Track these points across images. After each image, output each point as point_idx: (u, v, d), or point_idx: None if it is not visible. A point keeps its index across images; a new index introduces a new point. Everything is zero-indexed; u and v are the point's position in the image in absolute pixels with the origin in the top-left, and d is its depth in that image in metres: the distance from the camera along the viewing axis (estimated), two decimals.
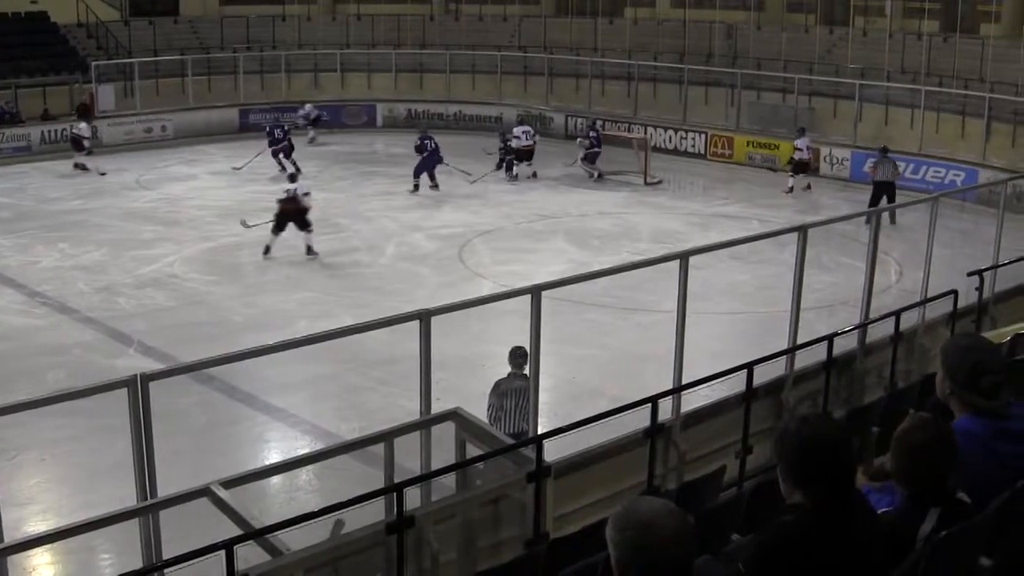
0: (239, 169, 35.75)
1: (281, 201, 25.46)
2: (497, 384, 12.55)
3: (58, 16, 45.75)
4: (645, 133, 37.97)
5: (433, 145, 32.73)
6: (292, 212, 25.25)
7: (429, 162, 32.65)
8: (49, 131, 40.01)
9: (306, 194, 25.77)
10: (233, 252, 25.38)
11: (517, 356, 12.42)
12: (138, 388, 7.98)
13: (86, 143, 36.22)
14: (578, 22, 48.64)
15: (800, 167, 33.31)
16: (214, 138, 40.84)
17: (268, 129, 36.76)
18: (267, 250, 25.03)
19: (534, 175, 34.51)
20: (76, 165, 36.00)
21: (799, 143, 33.22)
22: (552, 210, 30.60)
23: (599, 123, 37.38)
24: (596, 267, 14.33)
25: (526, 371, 12.11)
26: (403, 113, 45.76)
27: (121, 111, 42.37)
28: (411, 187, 32.59)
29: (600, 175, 34.59)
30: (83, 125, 36.40)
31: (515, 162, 34.52)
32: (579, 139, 36.41)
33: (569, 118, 42.76)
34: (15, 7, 45.17)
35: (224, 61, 46.46)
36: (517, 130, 34.99)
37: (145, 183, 34.72)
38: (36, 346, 19.86)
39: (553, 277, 10.56)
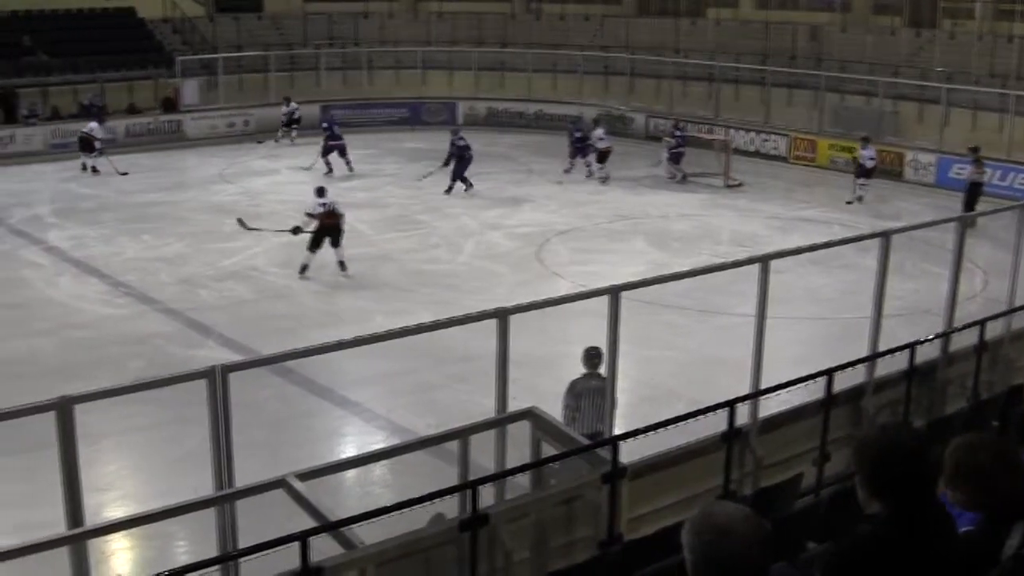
0: (308, 168, 35.96)
1: (320, 216, 23.64)
2: (573, 384, 12.52)
3: (145, 12, 46.28)
4: (726, 135, 37.68)
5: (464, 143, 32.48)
6: (332, 227, 23.77)
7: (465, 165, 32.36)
8: (135, 124, 40.52)
9: (340, 210, 24.28)
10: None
11: (592, 356, 12.38)
12: (218, 379, 8.05)
13: (97, 144, 35.58)
14: (660, 22, 48.49)
15: (866, 173, 32.18)
16: (297, 133, 41.14)
17: (327, 126, 36.77)
18: (304, 269, 23.64)
19: (606, 179, 34.23)
20: (85, 166, 35.62)
21: (865, 152, 32.21)
22: (632, 211, 30.50)
23: (683, 123, 37.22)
24: (675, 269, 14.28)
25: (600, 371, 12.09)
26: (483, 111, 45.79)
27: (205, 105, 42.79)
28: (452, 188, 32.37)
29: (684, 176, 34.41)
30: (94, 125, 35.89)
31: (597, 164, 34.30)
32: (664, 139, 36.17)
33: (650, 119, 42.55)
34: (103, 2, 45.71)
35: (307, 57, 46.85)
36: (599, 131, 34.68)
37: (227, 177, 35.02)
38: (118, 335, 20.10)
39: (631, 278, 10.51)
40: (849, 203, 31.32)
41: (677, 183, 34.09)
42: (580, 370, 12.52)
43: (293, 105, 41.68)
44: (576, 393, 12.43)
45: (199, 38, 47.07)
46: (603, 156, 34.36)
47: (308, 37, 48.78)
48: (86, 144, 35.54)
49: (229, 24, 48.37)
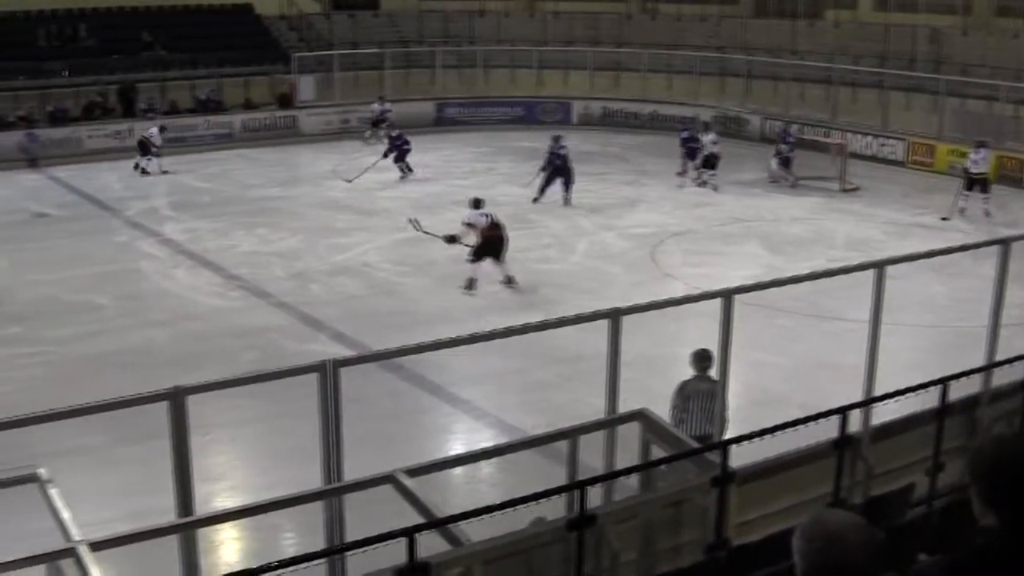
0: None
1: (483, 228, 22.42)
2: (682, 386, 12.49)
3: (263, 8, 47.06)
4: (843, 138, 37.28)
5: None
6: (497, 240, 22.50)
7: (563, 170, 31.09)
8: (251, 119, 41.05)
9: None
10: (425, 244, 25.61)
11: (701, 359, 12.35)
12: (329, 373, 8.12)
13: (153, 149, 35.55)
14: (777, 23, 48.01)
15: (977, 183, 30.05)
16: (410, 130, 41.33)
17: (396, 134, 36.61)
18: (471, 284, 22.41)
19: (715, 187, 33.78)
20: (137, 166, 35.62)
21: (975, 156, 30.24)
22: (746, 213, 30.29)
23: (794, 127, 36.90)
24: (789, 273, 14.17)
25: (710, 374, 12.06)
26: (598, 111, 45.71)
27: (320, 102, 43.22)
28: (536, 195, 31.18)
29: (796, 180, 34.07)
30: (154, 131, 35.89)
31: (709, 170, 33.95)
32: (777, 145, 35.64)
33: (766, 121, 42.21)
34: (223, 0, 46.40)
35: (422, 55, 47.11)
36: (712, 136, 34.23)
37: (341, 173, 35.28)
38: (231, 327, 20.39)
39: (745, 281, 10.46)
40: (944, 219, 29.35)
41: (790, 186, 33.73)
42: (691, 373, 12.48)
43: (387, 105, 41.76)
44: (685, 395, 12.39)
45: (315, 35, 47.60)
46: (711, 161, 33.97)
47: (423, 35, 49.09)
48: (143, 147, 35.68)
49: (345, 21, 48.84)
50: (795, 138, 35.26)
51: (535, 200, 30.87)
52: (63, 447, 12.05)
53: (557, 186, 31.01)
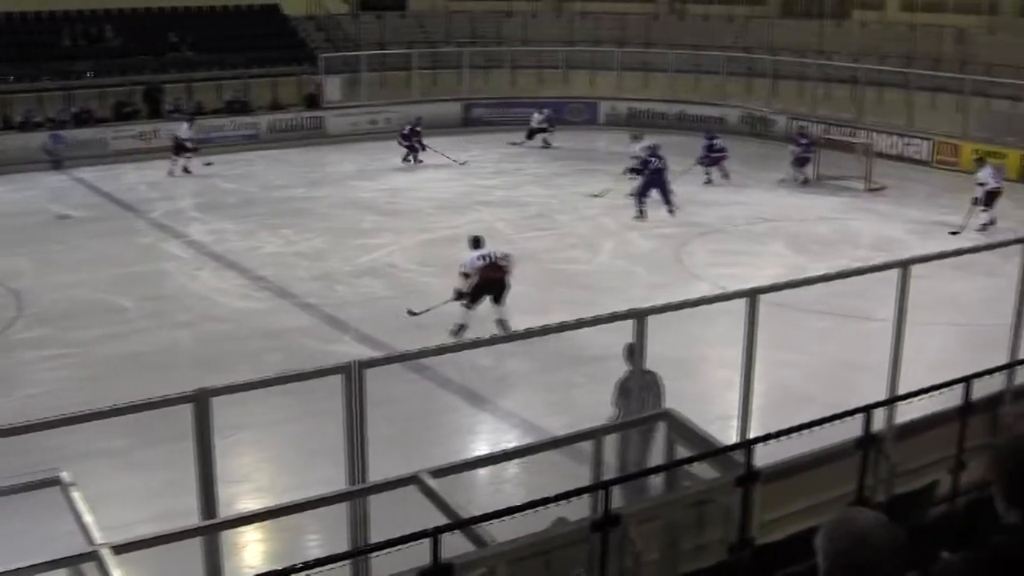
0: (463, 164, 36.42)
1: (480, 270, 20.14)
2: (623, 385, 12.48)
3: (290, 9, 47.18)
4: (869, 138, 37.17)
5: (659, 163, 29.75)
6: (495, 282, 20.24)
7: (658, 180, 29.58)
8: (278, 120, 41.18)
9: (505, 257, 20.61)
10: (451, 245, 25.62)
11: (634, 353, 12.38)
12: (354, 374, 8.15)
13: (189, 144, 35.23)
14: (804, 24, 47.94)
15: (990, 198, 28.41)
16: (437, 131, 41.40)
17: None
18: (460, 329, 19.63)
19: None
20: (185, 169, 35.28)
21: (983, 175, 28.67)
22: (771, 213, 30.24)
23: (807, 127, 36.77)
24: (814, 272, 14.18)
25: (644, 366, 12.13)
26: (625, 111, 45.66)
27: (347, 102, 43.31)
28: (636, 213, 29.24)
29: (807, 180, 33.94)
30: (184, 127, 35.66)
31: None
32: (790, 147, 35.35)
33: (792, 121, 42.10)
34: (250, 0, 46.53)
35: (449, 56, 47.11)
36: (639, 147, 32.08)
37: (367, 174, 35.38)
38: (255, 329, 20.44)
39: (770, 281, 10.50)
40: (954, 233, 27.62)
41: (800, 185, 33.60)
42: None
43: (546, 111, 41.77)
44: (626, 392, 12.43)
45: (342, 35, 47.70)
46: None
47: (451, 35, 49.13)
48: (177, 147, 35.36)
49: (372, 22, 48.95)
50: (809, 139, 35.06)
51: (636, 217, 29.10)
52: (87, 449, 12.16)
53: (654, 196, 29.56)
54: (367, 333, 19.95)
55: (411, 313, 20.70)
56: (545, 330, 9.51)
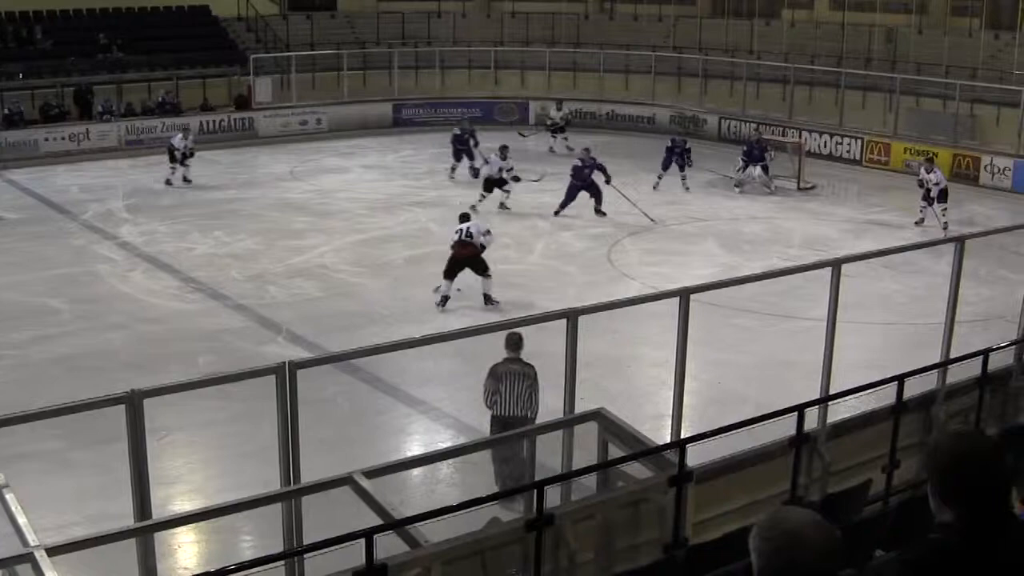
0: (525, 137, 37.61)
1: (453, 245, 21.45)
2: (493, 368, 12.71)
3: (219, 10, 46.91)
4: (800, 137, 37.35)
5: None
6: (465, 258, 21.34)
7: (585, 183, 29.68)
8: (208, 121, 40.93)
9: (485, 233, 21.75)
10: (382, 245, 25.63)
11: (515, 342, 12.48)
12: (286, 375, 8.10)
13: (177, 154, 33.94)
14: (734, 23, 48.09)
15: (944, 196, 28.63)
16: (368, 132, 41.22)
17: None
18: (444, 301, 21.12)
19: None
20: (184, 178, 34.14)
21: (933, 176, 28.68)
22: (703, 213, 30.34)
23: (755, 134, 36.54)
24: (746, 272, 14.22)
25: (522, 356, 12.47)
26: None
27: (277, 103, 43.11)
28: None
29: (739, 184, 33.72)
30: (177, 137, 34.50)
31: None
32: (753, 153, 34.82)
33: (723, 120, 42.29)
34: (179, 1, 46.23)
35: (379, 56, 47.00)
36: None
37: (298, 175, 35.24)
38: (188, 330, 20.28)
39: (702, 280, 10.50)
40: (917, 224, 28.64)
41: (770, 192, 33.24)
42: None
43: (565, 109, 41.44)
44: (497, 377, 12.64)
45: (272, 36, 47.44)
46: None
47: (381, 36, 48.99)
48: (171, 155, 34.05)
49: (302, 22, 48.70)
50: (764, 146, 34.57)
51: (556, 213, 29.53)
52: (21, 451, 11.98)
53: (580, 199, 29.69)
54: (299, 334, 19.85)
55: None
56: (479, 329, 9.47)
